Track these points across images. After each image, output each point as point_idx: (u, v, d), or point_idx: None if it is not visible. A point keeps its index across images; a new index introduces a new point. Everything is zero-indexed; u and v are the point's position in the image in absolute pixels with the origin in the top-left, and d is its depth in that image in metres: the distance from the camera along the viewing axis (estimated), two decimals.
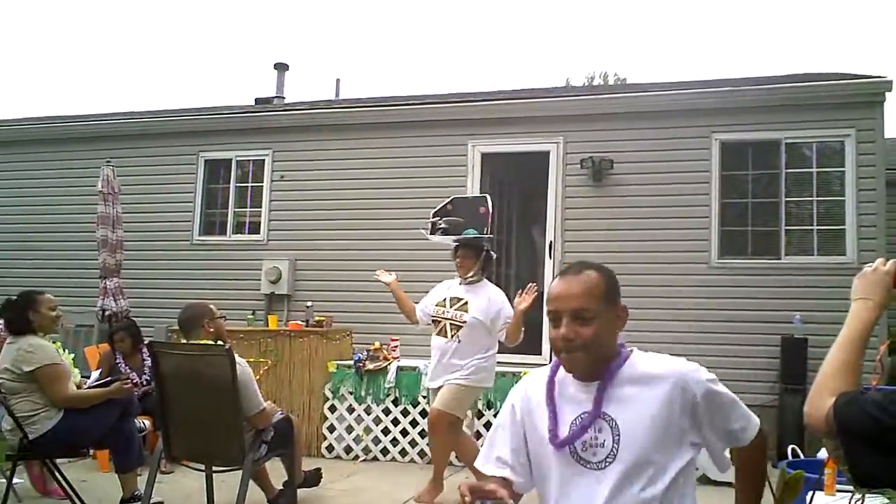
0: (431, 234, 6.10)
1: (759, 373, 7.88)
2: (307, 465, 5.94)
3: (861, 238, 7.91)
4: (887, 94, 8.05)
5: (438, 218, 6.08)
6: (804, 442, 6.56)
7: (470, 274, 5.63)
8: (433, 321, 5.63)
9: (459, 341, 5.50)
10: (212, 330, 4.98)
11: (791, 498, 3.26)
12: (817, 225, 8.24)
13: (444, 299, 5.62)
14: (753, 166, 8.55)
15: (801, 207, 8.39)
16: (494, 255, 5.98)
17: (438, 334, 5.58)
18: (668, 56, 49.17)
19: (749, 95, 8.57)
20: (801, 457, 4.93)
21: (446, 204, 6.19)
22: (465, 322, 5.49)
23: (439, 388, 5.57)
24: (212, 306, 5.15)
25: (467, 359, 5.52)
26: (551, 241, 8.77)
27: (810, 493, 3.25)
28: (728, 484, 6.50)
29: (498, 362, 5.90)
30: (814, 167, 8.37)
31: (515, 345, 5.63)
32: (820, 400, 1.58)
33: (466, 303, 5.53)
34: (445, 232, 5.98)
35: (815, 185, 8.27)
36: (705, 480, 6.53)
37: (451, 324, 5.53)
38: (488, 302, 5.55)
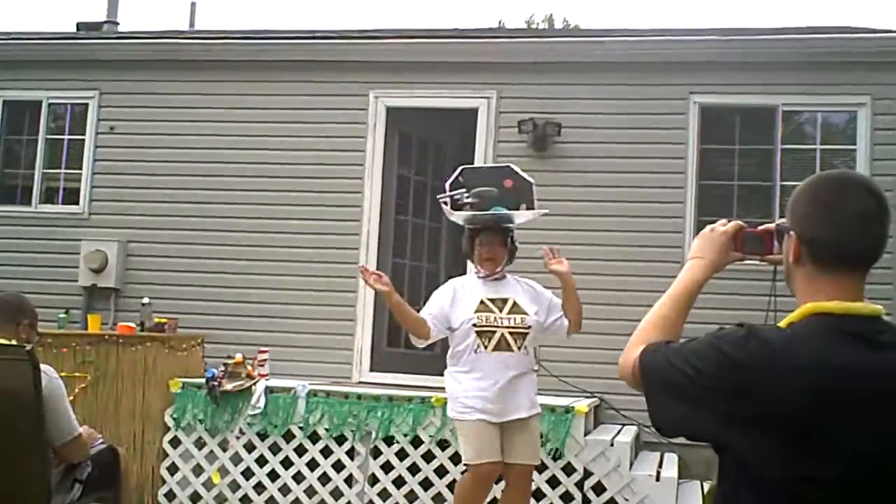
0: (453, 209, 5.80)
1: None
2: None
3: None
4: None
5: (462, 190, 5.79)
6: None
7: (501, 266, 5.60)
8: (479, 334, 5.38)
9: (527, 352, 5.47)
10: (24, 336, 4.73)
11: None
12: None
13: (483, 303, 5.44)
14: (741, 140, 8.72)
15: None
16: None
17: (497, 349, 5.37)
18: (630, 8, 50.11)
19: (739, 48, 8.73)
20: None
21: (457, 176, 5.94)
22: (529, 327, 5.43)
23: (503, 423, 5.36)
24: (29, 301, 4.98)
25: (532, 377, 5.55)
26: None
27: None
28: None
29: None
30: (817, 143, 8.61)
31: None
32: (631, 351, 1.97)
33: (515, 302, 5.48)
34: (475, 208, 5.68)
35: (819, 165, 8.45)
36: None
37: (511, 332, 5.39)
38: (535, 294, 5.60)
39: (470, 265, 6.14)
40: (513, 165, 6.23)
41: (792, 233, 1.89)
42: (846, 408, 1.70)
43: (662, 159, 8.57)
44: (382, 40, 9.53)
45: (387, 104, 9.12)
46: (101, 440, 5.09)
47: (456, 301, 5.51)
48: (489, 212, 5.61)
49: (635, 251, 8.39)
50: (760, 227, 2.13)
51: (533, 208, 5.83)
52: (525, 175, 5.95)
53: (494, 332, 5.37)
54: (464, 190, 5.77)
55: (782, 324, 1.85)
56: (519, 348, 5.39)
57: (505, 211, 5.65)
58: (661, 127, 8.63)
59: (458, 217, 5.79)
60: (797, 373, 1.71)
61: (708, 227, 2.16)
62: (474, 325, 5.37)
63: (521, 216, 5.79)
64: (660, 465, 7.25)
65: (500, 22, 33.32)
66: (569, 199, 8.50)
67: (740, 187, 8.63)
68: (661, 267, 8.31)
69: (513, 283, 5.63)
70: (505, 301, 5.47)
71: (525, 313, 5.44)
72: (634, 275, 8.28)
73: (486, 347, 5.36)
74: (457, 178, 5.88)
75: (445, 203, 5.85)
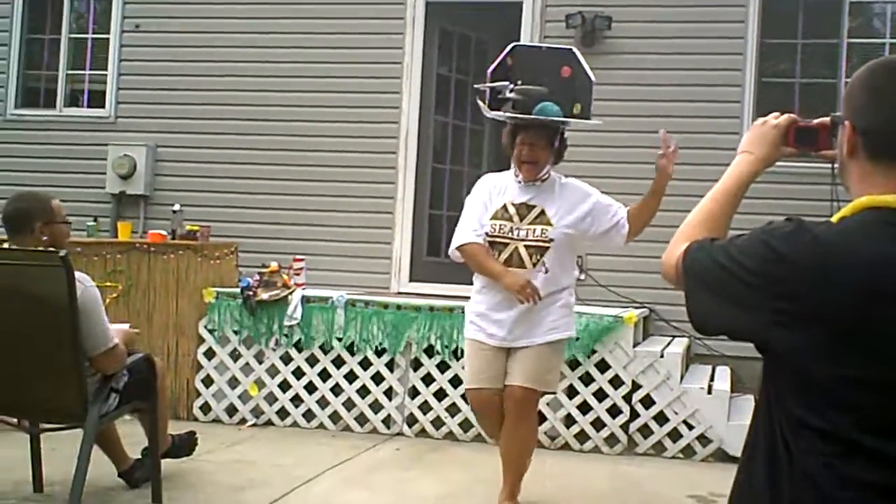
0: (492, 108, 5.32)
1: None
2: (174, 428, 5.92)
3: None
4: None
5: (506, 83, 5.24)
6: None
7: (544, 171, 5.20)
8: (491, 244, 5.12)
9: (547, 271, 5.10)
10: (45, 238, 4.84)
11: None
12: None
13: (505, 209, 5.15)
14: (805, 33, 8.64)
15: None
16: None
17: (507, 264, 5.08)
18: None
19: None
20: None
21: (505, 56, 5.39)
22: (551, 241, 5.07)
23: (510, 349, 5.16)
24: (56, 202, 5.02)
25: (558, 299, 5.20)
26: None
27: None
28: None
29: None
30: (887, 37, 8.51)
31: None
32: (675, 248, 1.95)
33: (543, 211, 5.11)
34: (518, 107, 5.18)
35: None
36: (721, 456, 6.79)
37: (527, 246, 5.08)
38: (577, 202, 5.20)
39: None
40: (576, 50, 5.85)
41: (847, 122, 1.84)
42: None
43: (719, 56, 8.50)
44: None
45: None
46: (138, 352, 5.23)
47: (477, 206, 5.22)
48: (532, 116, 5.12)
49: (690, 154, 8.34)
50: (815, 121, 2.07)
51: (588, 113, 5.40)
52: (588, 67, 5.46)
53: (507, 245, 5.09)
54: (508, 83, 5.24)
55: (834, 218, 1.80)
56: (534, 265, 5.06)
57: (550, 115, 5.11)
58: (718, 20, 8.53)
59: (496, 115, 5.35)
60: (849, 269, 1.69)
61: (759, 120, 2.14)
62: (487, 233, 5.12)
63: (571, 123, 5.35)
64: (711, 379, 7.34)
65: None
66: (621, 98, 8.45)
67: (802, 85, 8.59)
68: (717, 170, 8.32)
69: (556, 186, 5.21)
70: (531, 208, 5.13)
71: (550, 224, 5.08)
72: (690, 179, 8.24)
73: (501, 261, 5.11)
74: (504, 58, 5.37)
75: (483, 96, 5.37)
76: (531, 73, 5.28)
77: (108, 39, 9.80)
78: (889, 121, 1.79)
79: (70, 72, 10.01)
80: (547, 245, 5.07)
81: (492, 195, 5.20)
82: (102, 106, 9.81)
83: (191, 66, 9.48)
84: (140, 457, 5.47)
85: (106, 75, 9.79)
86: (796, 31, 8.63)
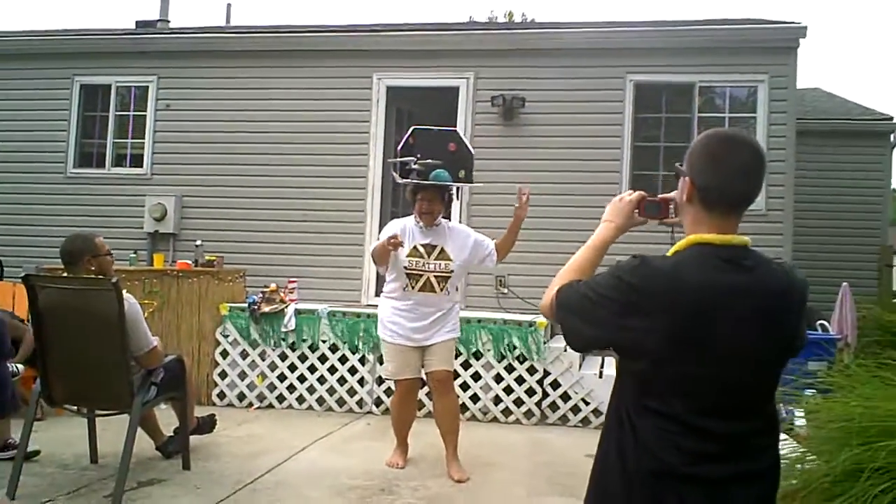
0: (402, 176, 5.47)
1: None
2: (199, 411, 5.87)
3: (770, 185, 8.22)
4: (801, 40, 8.35)
5: (412, 158, 5.43)
6: None
7: (437, 219, 5.34)
8: (409, 275, 5.23)
9: (448, 292, 5.32)
10: (93, 268, 4.80)
11: None
12: None
13: (416, 249, 5.25)
14: (667, 109, 8.78)
15: None
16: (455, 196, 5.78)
17: (423, 290, 5.23)
18: (580, 3, 49.52)
19: (664, 36, 8.77)
20: None
21: (408, 137, 5.61)
22: (452, 272, 5.28)
23: (424, 346, 5.29)
24: (99, 240, 4.97)
25: (454, 308, 5.44)
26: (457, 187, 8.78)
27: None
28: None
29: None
30: (726, 112, 8.69)
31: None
32: (550, 290, 1.96)
33: (443, 249, 5.27)
34: (420, 175, 5.35)
35: None
36: None
37: (436, 276, 5.24)
38: (463, 241, 5.37)
39: None
40: (459, 131, 6.04)
41: (688, 178, 1.86)
42: (721, 318, 1.73)
43: (605, 126, 8.63)
44: (383, 33, 9.49)
45: (387, 84, 9.10)
46: (171, 354, 5.20)
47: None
48: (429, 181, 5.31)
49: (581, 199, 8.47)
50: (659, 196, 2.07)
51: (470, 177, 5.63)
52: (468, 144, 5.72)
53: (421, 276, 5.22)
54: (411, 158, 5.44)
55: (669, 253, 1.85)
56: (441, 289, 5.25)
57: (443, 180, 5.33)
58: (603, 100, 8.67)
59: (405, 181, 5.49)
60: (682, 292, 1.72)
61: (617, 197, 2.12)
62: (405, 267, 5.22)
63: (455, 186, 5.57)
64: (602, 366, 7.40)
65: (469, 17, 32.80)
66: (531, 158, 8.62)
67: (665, 148, 8.69)
68: (600, 211, 8.45)
69: (446, 230, 5.38)
70: (434, 248, 5.26)
71: (450, 259, 5.25)
72: (581, 217, 8.35)
73: (413, 287, 5.23)
74: (407, 139, 5.58)
75: (394, 168, 5.59)
76: (427, 149, 5.49)
77: (145, 115, 9.73)
78: (723, 183, 1.83)
79: (116, 140, 9.90)
80: (449, 274, 5.28)
81: (403, 234, 5.23)
82: (141, 166, 9.71)
83: (208, 135, 9.43)
84: (172, 434, 5.42)
85: (144, 143, 9.71)
86: (661, 107, 8.77)
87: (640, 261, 1.78)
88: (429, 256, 5.25)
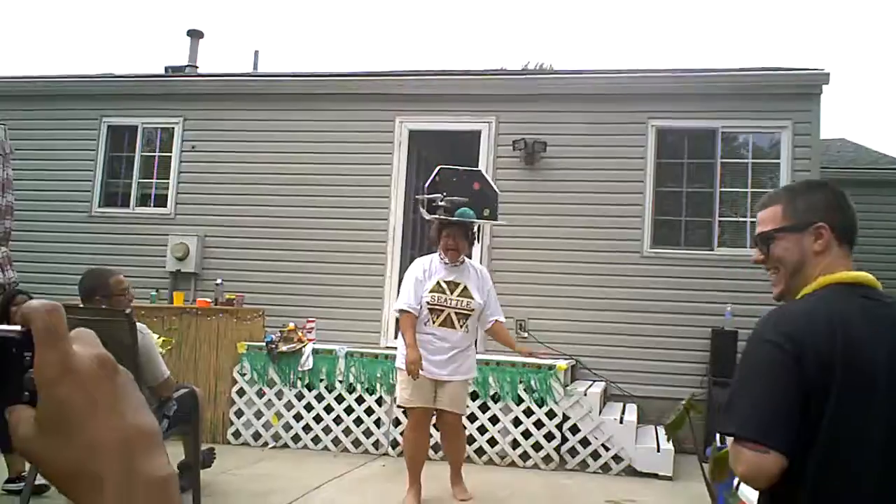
0: (429, 212, 5.63)
1: (689, 365, 8.05)
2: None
3: None
4: (824, 86, 8.32)
5: (438, 195, 5.58)
6: None
7: (461, 257, 5.43)
8: (430, 310, 5.30)
9: (468, 331, 5.37)
10: (104, 307, 4.73)
11: (721, 474, 3.43)
12: (750, 217, 8.46)
13: (439, 284, 5.32)
14: (689, 155, 8.73)
15: (734, 199, 8.61)
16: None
17: (443, 325, 5.29)
18: (603, 52, 50.02)
19: (687, 82, 8.74)
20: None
21: (435, 175, 5.72)
22: (472, 310, 5.35)
23: (438, 381, 5.32)
24: (115, 279, 4.87)
25: (471, 349, 5.47)
26: (479, 225, 8.78)
27: (737, 479, 3.48)
28: (653, 475, 6.66)
29: None
30: (749, 158, 8.62)
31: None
32: (740, 458, 1.68)
33: (465, 287, 5.35)
34: (447, 212, 5.48)
35: (750, 176, 8.51)
36: (630, 471, 6.71)
37: (457, 313, 5.31)
38: (481, 281, 5.47)
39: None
40: (483, 171, 6.19)
41: (823, 224, 1.85)
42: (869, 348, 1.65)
43: (627, 171, 8.59)
44: (406, 77, 9.56)
45: (409, 127, 9.15)
46: (185, 386, 5.17)
47: (420, 282, 5.35)
48: (455, 217, 5.45)
49: (604, 243, 8.44)
50: None
51: (495, 215, 5.74)
52: (492, 183, 5.83)
53: (443, 311, 5.29)
54: (438, 195, 5.57)
55: (798, 296, 1.81)
56: (461, 326, 5.30)
57: (468, 218, 5.47)
58: (625, 145, 8.64)
59: (432, 218, 5.62)
60: (829, 323, 1.65)
61: None
62: (427, 302, 5.28)
63: (481, 222, 5.66)
64: (622, 412, 7.29)
65: (501, 66, 33.15)
66: (553, 202, 8.59)
67: (688, 193, 8.66)
68: (623, 256, 8.42)
69: (469, 269, 5.47)
70: (457, 285, 5.34)
71: (472, 297, 5.33)
72: (603, 262, 8.37)
73: (434, 322, 5.28)
74: (434, 177, 5.71)
75: (422, 205, 5.68)
76: (452, 187, 5.67)
77: (170, 157, 9.83)
78: (853, 222, 1.92)
79: (141, 180, 9.99)
80: (470, 312, 5.35)
81: (425, 273, 5.37)
82: (165, 205, 9.78)
83: (231, 177, 9.49)
84: (178, 469, 5.33)
85: (168, 183, 9.79)
86: (683, 153, 8.74)
87: (775, 311, 1.79)
88: (451, 293, 5.31)
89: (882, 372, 1.61)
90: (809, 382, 1.59)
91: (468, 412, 6.45)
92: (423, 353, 5.24)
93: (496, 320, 5.50)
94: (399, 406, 5.60)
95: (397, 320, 5.54)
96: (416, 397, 5.30)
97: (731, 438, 1.67)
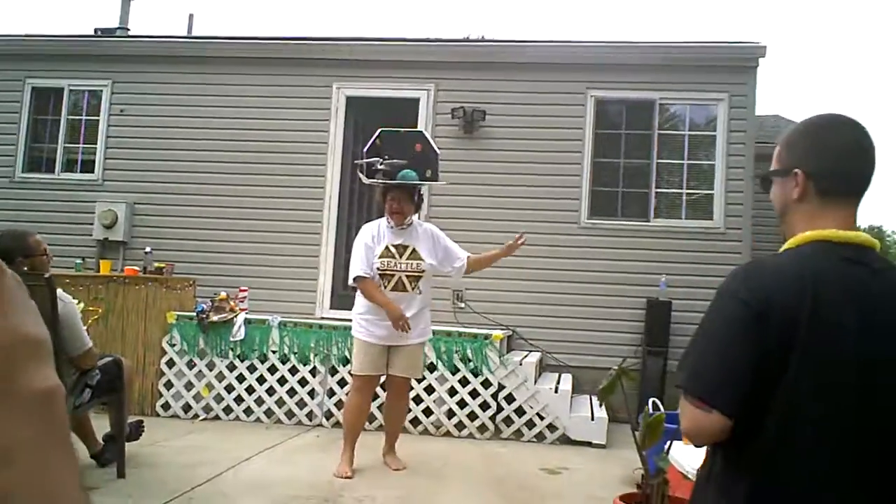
0: (368, 177, 5.54)
1: (624, 336, 8.10)
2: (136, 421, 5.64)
3: (728, 203, 8.24)
4: (760, 60, 8.39)
5: (377, 158, 5.46)
6: (664, 401, 6.78)
7: (408, 218, 5.40)
8: (381, 275, 5.27)
9: (420, 292, 5.35)
10: (26, 268, 4.54)
11: (653, 440, 3.43)
12: (686, 189, 8.53)
13: (388, 249, 5.30)
14: (627, 126, 8.74)
15: (671, 170, 8.65)
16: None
17: (395, 289, 5.26)
18: (545, 22, 50.08)
19: (626, 53, 8.73)
20: (661, 410, 5.06)
21: (375, 139, 5.59)
22: (423, 271, 5.32)
23: (392, 346, 5.35)
24: (34, 238, 4.70)
25: (426, 311, 5.46)
26: (424, 187, 8.68)
27: (669, 442, 3.48)
28: (587, 444, 6.68)
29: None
30: (686, 130, 8.65)
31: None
32: (685, 410, 1.61)
33: (414, 249, 5.33)
34: (386, 175, 5.41)
35: (686, 148, 8.55)
36: (564, 440, 6.74)
37: (408, 276, 5.29)
38: (433, 241, 5.45)
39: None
40: (425, 132, 6.11)
41: (798, 171, 1.67)
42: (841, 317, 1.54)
43: (565, 141, 8.57)
44: (343, 42, 9.38)
45: (346, 94, 8.99)
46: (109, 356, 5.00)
47: (370, 248, 5.32)
48: (396, 180, 5.38)
49: (542, 214, 8.42)
50: None
51: (436, 176, 5.68)
52: (433, 143, 5.73)
53: (394, 275, 5.28)
54: (378, 159, 5.48)
55: (781, 250, 1.68)
56: (413, 288, 5.29)
57: (410, 179, 5.40)
58: (564, 115, 8.62)
59: (372, 182, 5.57)
60: (799, 280, 1.55)
61: None
62: (378, 268, 5.26)
63: (422, 184, 5.60)
64: (557, 382, 7.31)
65: (442, 35, 32.92)
66: (492, 172, 8.54)
67: (625, 164, 8.66)
68: (560, 226, 8.42)
69: (416, 230, 5.44)
70: (406, 248, 5.33)
71: (421, 259, 5.32)
72: (541, 233, 8.33)
73: (385, 287, 5.26)
74: (374, 141, 5.61)
75: (361, 169, 5.62)
76: (394, 150, 5.54)
77: (98, 120, 9.51)
78: (839, 164, 1.66)
79: (67, 145, 9.66)
80: (420, 274, 5.34)
81: (374, 238, 5.35)
82: (92, 171, 9.47)
83: (162, 142, 9.21)
84: (105, 441, 5.18)
85: (96, 148, 9.47)
86: (621, 123, 8.74)
87: (744, 267, 1.67)
88: (400, 256, 5.31)
89: (849, 335, 1.53)
90: (771, 340, 1.51)
91: None
92: (376, 318, 5.26)
93: (466, 259, 5.49)
94: (352, 374, 5.51)
95: (354, 289, 5.43)
96: (367, 366, 5.34)
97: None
